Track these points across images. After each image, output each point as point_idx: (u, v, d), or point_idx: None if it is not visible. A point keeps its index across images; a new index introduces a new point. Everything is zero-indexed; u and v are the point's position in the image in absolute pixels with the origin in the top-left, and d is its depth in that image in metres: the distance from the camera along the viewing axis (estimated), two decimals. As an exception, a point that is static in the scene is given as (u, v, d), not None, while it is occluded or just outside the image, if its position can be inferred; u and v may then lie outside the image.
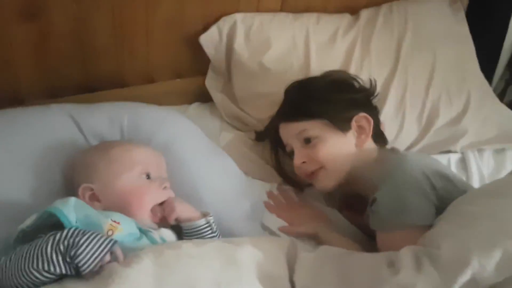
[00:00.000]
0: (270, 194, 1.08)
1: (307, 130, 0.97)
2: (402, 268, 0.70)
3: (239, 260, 0.72)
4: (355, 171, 0.97)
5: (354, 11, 1.31)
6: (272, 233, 1.00)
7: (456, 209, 0.79)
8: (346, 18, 1.28)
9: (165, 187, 0.84)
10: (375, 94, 1.08)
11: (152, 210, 0.82)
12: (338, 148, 0.97)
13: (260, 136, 1.14)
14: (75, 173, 0.86)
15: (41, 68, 1.11)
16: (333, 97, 1.00)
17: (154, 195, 0.82)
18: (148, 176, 0.83)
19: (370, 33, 1.25)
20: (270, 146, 1.10)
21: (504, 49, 1.43)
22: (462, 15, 1.35)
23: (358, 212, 1.00)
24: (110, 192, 0.80)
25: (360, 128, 0.99)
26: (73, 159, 0.88)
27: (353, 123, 0.99)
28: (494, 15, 1.39)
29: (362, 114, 1.00)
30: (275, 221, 1.03)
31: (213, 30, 1.17)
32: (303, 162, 0.99)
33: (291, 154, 1.02)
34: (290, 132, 1.01)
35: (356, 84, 1.07)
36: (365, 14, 1.29)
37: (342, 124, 0.98)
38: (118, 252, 0.66)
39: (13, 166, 0.86)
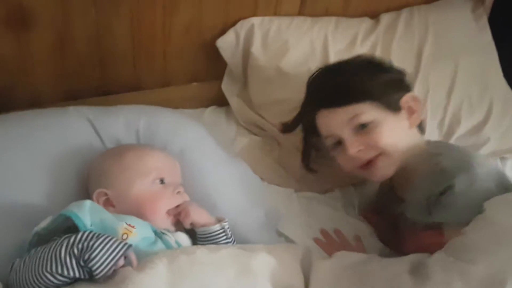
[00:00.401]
0: (324, 232, 1.02)
1: (360, 115, 0.88)
2: (429, 280, 0.66)
3: (254, 269, 0.71)
4: (407, 156, 0.90)
5: (374, 15, 1.29)
6: (288, 240, 0.99)
7: (494, 220, 0.73)
8: (365, 22, 1.26)
9: (179, 192, 0.83)
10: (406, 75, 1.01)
11: (168, 214, 0.81)
12: (395, 130, 0.90)
13: (288, 128, 1.04)
14: (90, 178, 0.86)
15: (60, 71, 1.12)
16: (377, 78, 0.92)
17: (167, 200, 0.81)
18: (162, 181, 0.83)
19: (390, 39, 1.23)
20: (303, 137, 1.01)
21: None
22: (484, 22, 1.32)
23: (388, 214, 0.94)
24: (124, 198, 0.79)
25: (410, 109, 0.93)
26: (88, 164, 0.88)
27: (403, 103, 0.93)
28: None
29: (410, 94, 0.95)
30: (291, 228, 1.01)
31: (230, 34, 1.17)
32: (359, 150, 0.89)
33: (332, 147, 0.94)
34: (337, 119, 0.90)
35: (388, 64, 1.00)
36: (385, 18, 1.27)
37: (393, 105, 0.91)
38: (132, 256, 0.65)
39: (29, 169, 0.86)
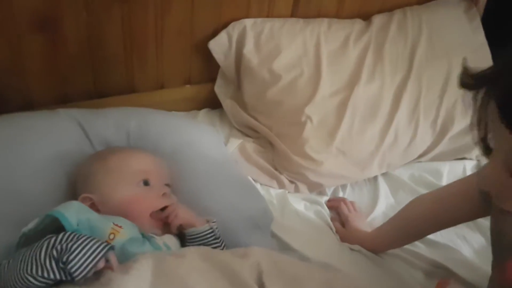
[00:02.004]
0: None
1: None
2: None
3: (242, 278, 0.67)
4: None
5: (366, 17, 1.29)
6: (281, 241, 0.98)
7: None
8: (358, 23, 1.26)
9: (164, 194, 0.82)
10: None
11: (153, 217, 0.80)
12: None
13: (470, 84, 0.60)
14: (76, 183, 0.86)
15: (52, 75, 1.12)
16: None
17: (151, 202, 0.80)
18: (147, 183, 0.82)
19: (383, 39, 1.23)
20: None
21: (522, 57, 1.40)
22: (478, 22, 1.32)
23: None
24: (108, 201, 0.79)
25: None
26: (76, 167, 0.88)
27: None
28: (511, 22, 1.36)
29: None
30: (284, 229, 1.00)
31: (222, 36, 1.17)
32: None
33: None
34: (501, 139, 0.55)
35: None
36: (378, 19, 1.27)
37: None
38: (113, 259, 0.64)
39: (19, 171, 0.86)
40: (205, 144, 1.02)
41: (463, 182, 0.89)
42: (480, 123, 0.59)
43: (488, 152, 0.61)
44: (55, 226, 0.70)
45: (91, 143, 0.94)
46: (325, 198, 1.13)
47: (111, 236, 0.69)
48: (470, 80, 0.59)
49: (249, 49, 1.16)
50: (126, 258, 0.67)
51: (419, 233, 0.97)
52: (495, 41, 1.30)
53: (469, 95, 1.24)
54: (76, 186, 0.85)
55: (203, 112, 1.26)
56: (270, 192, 1.10)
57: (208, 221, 0.82)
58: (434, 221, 0.93)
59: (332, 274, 0.74)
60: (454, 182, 0.92)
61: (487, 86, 0.55)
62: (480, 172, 0.81)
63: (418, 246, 1.02)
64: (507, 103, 0.49)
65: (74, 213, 0.69)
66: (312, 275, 0.70)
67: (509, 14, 1.36)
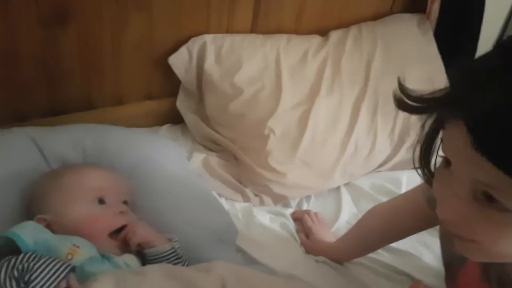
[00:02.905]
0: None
1: (502, 195, 0.47)
2: None
3: None
4: None
5: (324, 33, 1.33)
6: (246, 255, 0.97)
7: None
8: (316, 39, 1.29)
9: (121, 212, 0.80)
10: None
11: (112, 237, 0.78)
12: None
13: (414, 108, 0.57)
14: (31, 202, 0.83)
15: (7, 92, 1.08)
16: None
17: (107, 221, 0.78)
18: (103, 202, 0.80)
19: (340, 53, 1.26)
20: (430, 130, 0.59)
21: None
22: (430, 35, 1.38)
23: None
24: (63, 222, 0.76)
25: None
26: (30, 186, 0.85)
27: None
28: (463, 35, 1.43)
29: None
30: (250, 243, 1.00)
31: (182, 51, 1.17)
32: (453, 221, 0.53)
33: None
34: (469, 169, 0.48)
35: None
36: (334, 35, 1.31)
37: None
38: (73, 281, 0.62)
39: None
40: (166, 159, 1.01)
41: (411, 193, 0.89)
42: (428, 148, 0.57)
43: (430, 176, 0.59)
44: (10, 248, 0.67)
45: (47, 161, 0.91)
46: (290, 210, 1.13)
47: (69, 257, 0.66)
48: (416, 103, 0.55)
49: (210, 63, 1.17)
50: (85, 278, 0.65)
51: (377, 244, 0.99)
52: (447, 52, 1.36)
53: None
54: (31, 206, 0.82)
55: (165, 128, 1.25)
56: (235, 206, 1.09)
57: (170, 240, 0.81)
58: (388, 233, 0.94)
59: (296, 285, 0.74)
60: (405, 193, 0.93)
61: (444, 110, 0.51)
62: (428, 195, 0.81)
63: (381, 254, 1.04)
64: (484, 130, 0.44)
65: (30, 233, 0.66)
66: (275, 287, 0.69)
67: (460, 27, 1.43)
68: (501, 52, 0.47)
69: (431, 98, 0.52)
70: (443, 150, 0.52)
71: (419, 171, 0.60)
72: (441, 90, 0.53)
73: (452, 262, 0.75)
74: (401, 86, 0.55)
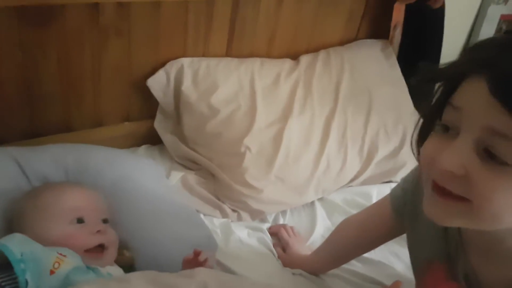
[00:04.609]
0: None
1: (506, 145, 0.50)
2: None
3: None
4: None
5: (295, 57, 1.40)
6: (226, 269, 1.00)
7: None
8: (287, 62, 1.37)
9: (99, 231, 0.81)
10: None
11: (88, 251, 0.79)
12: None
13: (430, 77, 0.62)
14: (11, 222, 0.84)
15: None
16: None
17: (84, 241, 0.79)
18: (81, 221, 0.81)
19: (311, 75, 1.34)
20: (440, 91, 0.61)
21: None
22: (393, 60, 1.48)
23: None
24: (41, 240, 0.76)
25: None
26: (11, 205, 0.86)
27: None
28: (425, 58, 1.53)
29: None
30: (229, 257, 1.02)
31: (160, 74, 1.21)
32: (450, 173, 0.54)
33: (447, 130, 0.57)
34: (482, 115, 0.52)
35: None
36: (305, 59, 1.39)
37: None
38: None
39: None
40: (146, 176, 1.03)
41: (378, 204, 0.94)
42: (437, 109, 0.59)
43: (420, 144, 0.62)
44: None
45: (29, 179, 0.93)
46: (267, 225, 1.17)
47: (56, 265, 0.68)
48: (440, 71, 0.59)
49: (187, 85, 1.22)
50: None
51: (350, 254, 1.03)
52: (410, 75, 1.46)
53: (390, 124, 1.34)
54: (11, 224, 0.83)
55: (142, 148, 1.28)
56: (214, 222, 1.12)
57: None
58: (358, 245, 0.99)
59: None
60: (371, 205, 0.99)
61: (469, 66, 0.55)
62: (392, 191, 0.88)
63: (355, 265, 1.08)
64: (505, 82, 0.49)
65: (17, 244, 0.68)
66: (257, 290, 0.73)
67: (421, 51, 1.53)
68: None
69: (455, 60, 0.57)
70: (453, 104, 0.56)
71: (415, 152, 0.64)
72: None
73: (421, 266, 0.80)
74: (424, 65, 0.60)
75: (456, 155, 0.53)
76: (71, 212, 0.81)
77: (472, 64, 0.54)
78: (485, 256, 0.66)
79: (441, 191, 0.56)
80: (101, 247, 0.80)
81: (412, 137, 0.66)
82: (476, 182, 0.53)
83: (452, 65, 0.58)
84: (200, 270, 0.74)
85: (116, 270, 0.79)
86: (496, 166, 0.52)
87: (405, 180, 0.86)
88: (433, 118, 0.60)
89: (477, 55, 0.54)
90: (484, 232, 0.59)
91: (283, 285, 1.00)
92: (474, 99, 0.53)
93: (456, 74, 0.56)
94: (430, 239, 0.74)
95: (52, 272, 0.67)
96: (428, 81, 0.61)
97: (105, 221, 0.86)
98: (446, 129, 0.57)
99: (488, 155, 0.52)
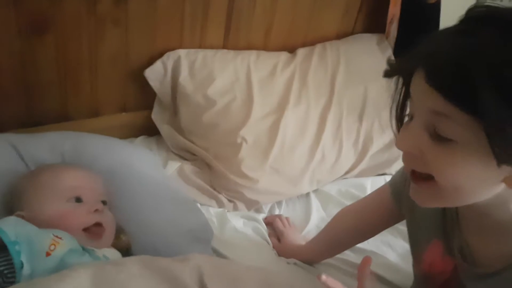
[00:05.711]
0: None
1: (447, 123, 0.55)
2: None
3: (184, 282, 0.69)
4: (486, 211, 0.64)
5: (291, 50, 1.41)
6: (220, 255, 1.01)
7: None
8: (284, 55, 1.37)
9: (96, 210, 0.82)
10: None
11: (86, 231, 0.80)
12: (475, 179, 0.57)
13: (389, 72, 0.68)
14: (9, 201, 0.85)
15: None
16: None
17: (81, 218, 0.80)
18: (79, 200, 0.82)
19: (307, 68, 1.34)
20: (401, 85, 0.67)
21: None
22: (389, 53, 1.48)
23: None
24: (39, 218, 0.77)
25: None
26: (8, 187, 0.87)
27: None
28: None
29: None
30: (224, 245, 1.04)
31: (158, 65, 1.22)
32: (409, 153, 0.60)
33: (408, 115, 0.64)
34: (424, 100, 0.57)
35: None
36: (301, 52, 1.39)
37: (504, 153, 0.53)
38: None
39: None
40: (143, 163, 1.04)
41: (377, 192, 0.96)
42: (402, 99, 0.67)
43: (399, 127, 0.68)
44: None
45: (26, 165, 0.94)
46: (262, 215, 1.18)
47: (52, 247, 0.69)
48: (396, 66, 0.67)
49: (184, 77, 1.22)
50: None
51: (346, 245, 1.05)
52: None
53: (384, 117, 1.36)
54: (10, 203, 0.84)
55: (139, 139, 1.28)
56: (210, 211, 1.13)
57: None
58: (357, 233, 1.00)
59: (269, 272, 0.78)
60: (370, 194, 1.00)
61: (412, 62, 0.61)
62: (392, 178, 0.91)
63: (348, 255, 1.09)
64: (435, 69, 0.56)
65: (12, 226, 0.68)
66: (250, 274, 0.74)
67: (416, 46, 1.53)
68: (462, 19, 0.59)
69: (409, 55, 0.62)
70: (410, 100, 0.63)
71: (395, 129, 0.69)
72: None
73: (419, 246, 0.82)
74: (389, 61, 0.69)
75: (409, 136, 0.60)
76: (70, 191, 0.82)
77: (416, 58, 0.60)
78: (477, 230, 0.69)
79: (415, 176, 0.62)
80: (99, 226, 0.81)
81: (390, 117, 0.70)
82: (431, 159, 0.59)
83: (405, 60, 0.64)
84: (194, 255, 0.75)
85: (113, 253, 0.81)
86: (444, 143, 0.57)
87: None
88: (402, 109, 0.67)
89: (423, 49, 0.59)
90: (473, 207, 0.63)
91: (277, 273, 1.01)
92: (418, 87, 0.59)
93: (408, 68, 0.62)
94: (429, 219, 0.78)
95: (48, 254, 0.68)
96: (390, 75, 0.67)
97: (104, 202, 0.86)
98: (411, 118, 0.62)
99: (437, 134, 0.58)
